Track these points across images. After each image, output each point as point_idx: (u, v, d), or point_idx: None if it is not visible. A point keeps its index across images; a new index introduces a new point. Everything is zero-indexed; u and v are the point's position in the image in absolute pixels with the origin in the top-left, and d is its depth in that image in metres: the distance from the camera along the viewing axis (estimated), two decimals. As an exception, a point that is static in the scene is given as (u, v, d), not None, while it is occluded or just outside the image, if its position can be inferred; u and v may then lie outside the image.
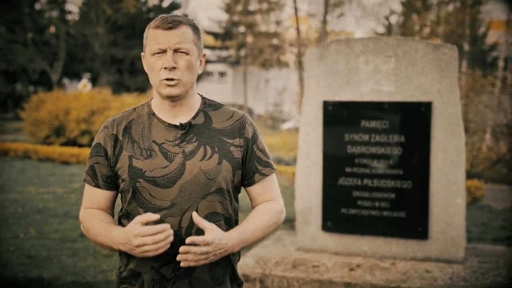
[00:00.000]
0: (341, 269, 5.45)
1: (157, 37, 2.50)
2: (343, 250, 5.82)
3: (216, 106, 2.70)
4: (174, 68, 2.48)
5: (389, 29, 40.31)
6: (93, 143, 2.65)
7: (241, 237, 2.52)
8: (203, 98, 2.71)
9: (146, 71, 2.60)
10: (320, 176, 5.85)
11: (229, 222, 2.62)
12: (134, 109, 2.69)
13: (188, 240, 2.36)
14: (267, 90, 50.36)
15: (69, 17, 44.81)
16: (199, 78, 42.52)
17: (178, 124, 2.57)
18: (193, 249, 2.36)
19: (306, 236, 5.93)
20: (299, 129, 5.99)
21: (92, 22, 40.40)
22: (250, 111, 46.20)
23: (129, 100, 21.38)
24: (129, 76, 40.31)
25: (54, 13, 43.35)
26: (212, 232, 2.40)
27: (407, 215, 5.60)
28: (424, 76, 5.53)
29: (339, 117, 5.76)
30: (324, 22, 38.56)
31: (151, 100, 2.69)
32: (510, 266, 5.51)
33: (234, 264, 2.67)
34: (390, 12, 40.92)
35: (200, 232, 2.45)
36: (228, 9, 48.49)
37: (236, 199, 2.69)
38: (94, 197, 2.65)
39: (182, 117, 2.60)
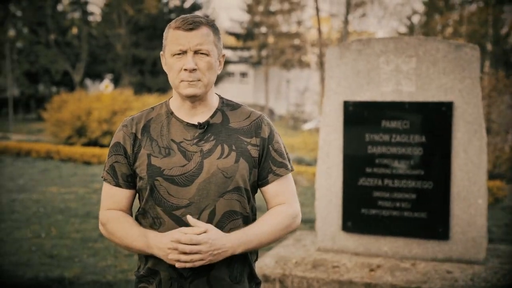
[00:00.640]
0: (361, 269, 5.43)
1: (177, 38, 2.50)
2: (363, 251, 5.79)
3: (234, 106, 2.71)
4: (194, 69, 2.49)
5: (411, 29, 40.14)
6: (112, 142, 2.66)
7: (243, 238, 2.52)
8: (221, 98, 2.72)
9: (165, 71, 2.61)
10: (340, 176, 5.83)
11: (247, 221, 2.62)
12: (153, 108, 2.70)
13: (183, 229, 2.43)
14: (288, 90, 50.35)
15: (91, 18, 45.13)
16: (221, 78, 42.66)
17: (196, 123, 2.58)
18: (180, 246, 2.39)
19: (326, 236, 5.91)
20: (320, 129, 5.97)
21: (114, 23, 40.61)
22: (272, 112, 46.22)
23: (151, 101, 21.47)
24: (150, 76, 40.47)
25: (76, 15, 43.67)
26: (209, 233, 2.42)
27: (428, 216, 5.57)
28: (446, 76, 5.49)
29: (360, 117, 5.74)
30: (346, 22, 38.52)
31: (169, 99, 2.70)
32: (532, 268, 5.46)
33: (252, 263, 2.68)
34: (412, 12, 40.75)
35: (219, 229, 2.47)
36: (250, 10, 48.55)
37: (254, 198, 2.69)
38: (115, 196, 2.66)
39: (200, 116, 2.61)
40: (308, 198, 11.05)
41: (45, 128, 23.20)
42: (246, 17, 50.15)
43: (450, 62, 5.47)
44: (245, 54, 51.69)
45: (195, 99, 2.57)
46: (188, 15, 2.56)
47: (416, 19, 41.19)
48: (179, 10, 43.02)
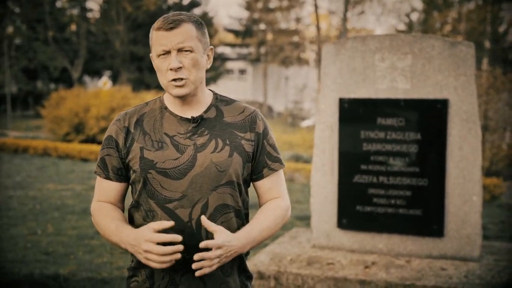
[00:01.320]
0: (356, 266, 5.43)
1: (160, 39, 2.52)
2: (358, 248, 5.80)
3: (228, 101, 2.74)
4: (180, 68, 2.50)
5: (410, 26, 40.11)
6: (105, 136, 2.69)
7: (249, 237, 2.55)
8: (215, 94, 2.74)
9: (156, 72, 2.63)
10: (336, 173, 5.83)
11: (239, 214, 2.65)
12: (147, 103, 2.73)
13: (202, 244, 2.38)
14: (287, 87, 50.27)
15: (90, 15, 45.02)
16: (219, 75, 42.62)
17: (190, 117, 2.59)
18: (207, 254, 2.38)
19: (322, 233, 5.92)
20: (315, 126, 5.97)
21: (113, 19, 40.52)
22: (270, 109, 46.17)
23: (149, 98, 21.43)
24: (149, 73, 40.39)
25: (75, 11, 43.55)
26: (222, 235, 2.43)
27: (423, 213, 5.57)
28: (441, 73, 5.49)
29: (355, 114, 5.74)
30: (345, 19, 38.50)
31: (163, 95, 2.73)
32: (527, 265, 5.47)
33: (243, 256, 2.70)
34: (411, 9, 40.72)
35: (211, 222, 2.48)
36: (248, 7, 48.49)
37: (246, 192, 2.73)
38: (105, 189, 2.68)
39: (194, 111, 2.63)
40: (305, 195, 11.06)
41: (43, 125, 23.19)
42: (245, 14, 50.09)
43: (446, 60, 5.47)
44: (244, 51, 51.63)
45: (185, 97, 2.59)
46: (169, 14, 2.57)
47: (414, 16, 41.17)
48: (178, 7, 42.92)
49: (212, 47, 2.68)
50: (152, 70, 40.67)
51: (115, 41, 40.43)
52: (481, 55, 30.21)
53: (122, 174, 2.65)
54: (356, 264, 5.49)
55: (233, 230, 2.58)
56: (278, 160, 2.73)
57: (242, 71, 53.37)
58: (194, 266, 2.39)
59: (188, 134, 2.58)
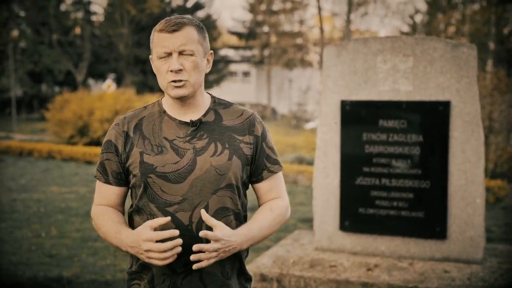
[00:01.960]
0: (359, 269, 5.43)
1: (162, 40, 2.53)
2: (360, 250, 5.79)
3: (226, 105, 2.74)
4: (180, 70, 2.52)
5: (413, 28, 40.06)
6: (104, 140, 2.70)
7: (249, 234, 2.57)
8: (213, 97, 2.75)
9: (156, 74, 2.64)
10: (338, 175, 5.83)
11: (238, 217, 2.66)
12: (145, 107, 2.74)
13: (201, 233, 2.41)
14: (290, 90, 50.27)
15: (94, 18, 45.12)
16: (223, 78, 42.64)
17: (189, 121, 2.60)
18: (206, 246, 2.40)
19: (324, 235, 5.92)
20: (317, 128, 5.97)
21: (117, 23, 40.58)
22: (274, 111, 46.22)
23: (153, 100, 21.34)
24: (153, 76, 40.37)
25: (79, 14, 43.67)
26: (221, 229, 2.45)
27: (426, 215, 5.57)
28: (443, 75, 5.48)
29: (357, 116, 5.74)
30: (348, 21, 38.48)
31: (162, 99, 2.74)
32: (530, 267, 5.46)
33: (242, 258, 2.72)
34: (415, 11, 40.67)
35: (211, 227, 2.49)
36: (252, 9, 48.58)
37: (245, 195, 2.74)
38: (105, 193, 2.71)
39: (193, 115, 2.64)
40: (308, 197, 11.05)
41: (48, 128, 23.22)
42: (248, 16, 50.19)
43: (448, 61, 5.46)
44: (248, 53, 51.70)
45: (184, 100, 2.60)
46: (172, 16, 2.59)
47: (418, 18, 41.11)
48: (182, 9, 42.96)
49: (212, 51, 2.70)
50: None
51: (119, 44, 40.50)
52: (486, 56, 30.17)
53: (122, 178, 2.67)
54: (358, 266, 5.48)
55: None
56: (277, 162, 2.75)
57: (245, 74, 53.45)
58: (192, 257, 2.40)
59: (188, 138, 2.59)
